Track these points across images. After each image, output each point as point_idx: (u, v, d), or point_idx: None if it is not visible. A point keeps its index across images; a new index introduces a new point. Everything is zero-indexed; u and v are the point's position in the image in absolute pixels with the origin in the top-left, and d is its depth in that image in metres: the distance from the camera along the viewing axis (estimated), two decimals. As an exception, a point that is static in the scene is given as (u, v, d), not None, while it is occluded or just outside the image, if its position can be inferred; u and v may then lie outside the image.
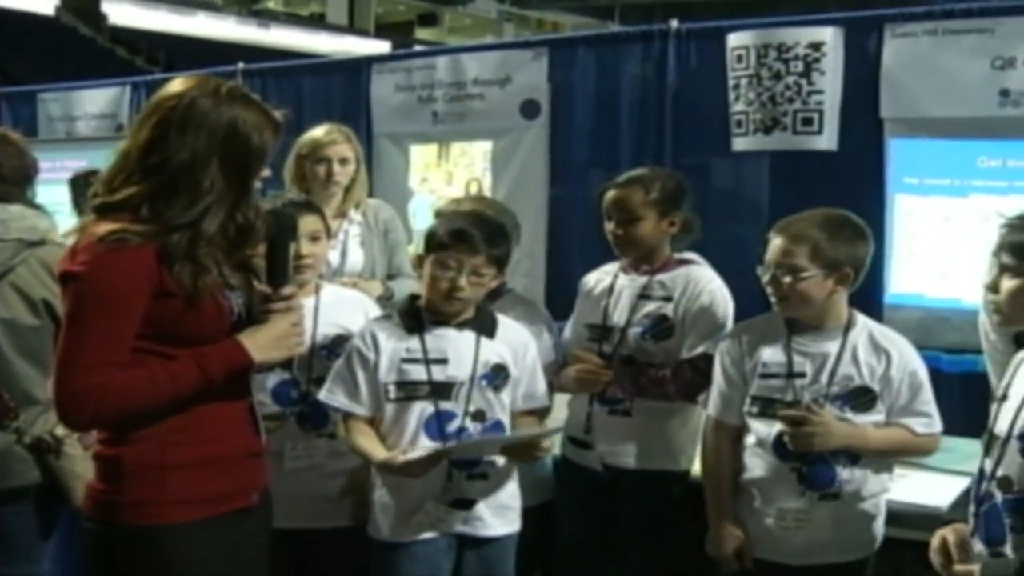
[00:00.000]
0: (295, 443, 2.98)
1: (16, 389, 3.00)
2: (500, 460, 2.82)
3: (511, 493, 2.88)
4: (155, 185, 2.22)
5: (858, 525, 2.78)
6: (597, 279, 3.30)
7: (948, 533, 2.39)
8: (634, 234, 3.12)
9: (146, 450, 2.26)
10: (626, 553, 3.08)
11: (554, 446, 2.94)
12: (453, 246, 2.74)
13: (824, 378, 2.74)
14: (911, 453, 2.91)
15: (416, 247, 3.62)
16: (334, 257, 4.04)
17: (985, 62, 4.42)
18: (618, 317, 3.16)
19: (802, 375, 2.75)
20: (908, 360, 2.78)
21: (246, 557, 2.39)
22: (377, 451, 2.75)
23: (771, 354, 2.80)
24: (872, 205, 4.65)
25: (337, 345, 3.00)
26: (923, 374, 2.79)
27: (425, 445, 2.73)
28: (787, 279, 2.69)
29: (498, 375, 2.83)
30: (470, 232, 2.75)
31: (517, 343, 2.91)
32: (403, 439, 2.78)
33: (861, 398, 2.74)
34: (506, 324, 2.92)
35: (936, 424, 2.80)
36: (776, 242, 2.74)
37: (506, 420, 2.86)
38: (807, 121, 4.77)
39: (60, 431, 2.99)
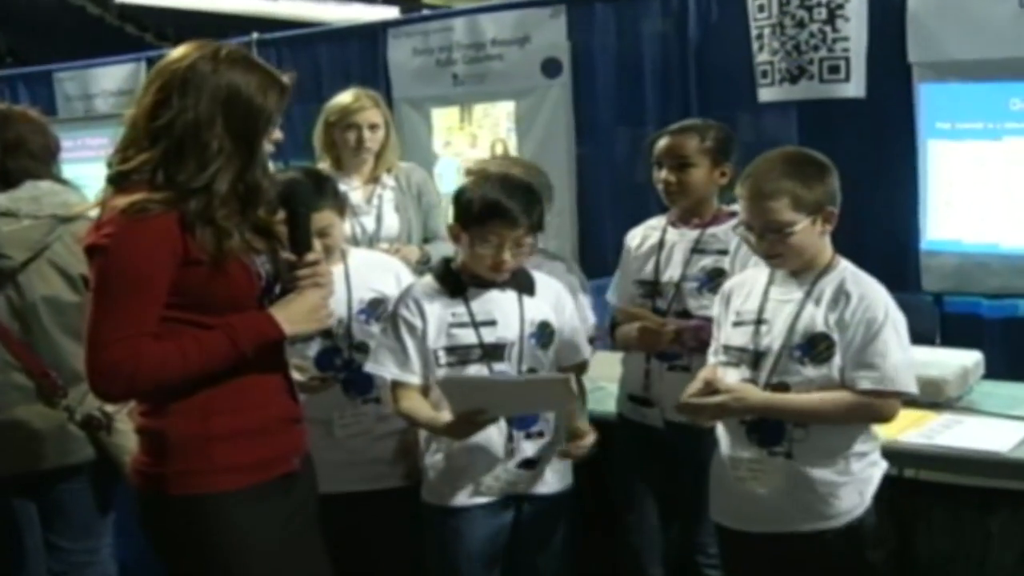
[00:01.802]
0: (342, 411, 2.99)
1: (64, 367, 3.01)
2: (551, 416, 2.82)
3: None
4: (164, 150, 2.22)
5: (821, 491, 2.55)
6: (643, 235, 3.26)
7: None
8: (687, 181, 3.09)
9: (188, 421, 2.28)
10: (686, 511, 3.08)
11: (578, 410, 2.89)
12: (490, 220, 2.70)
13: (786, 325, 2.58)
14: (859, 419, 2.57)
15: (446, 212, 3.60)
16: (369, 223, 4.04)
17: (1013, 1, 4.33)
18: (671, 272, 3.12)
19: (767, 322, 2.62)
20: (869, 303, 2.53)
21: (295, 521, 2.41)
22: (425, 411, 2.74)
23: (747, 301, 2.69)
24: (904, 152, 4.64)
25: (374, 308, 3.00)
26: (884, 321, 2.51)
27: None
28: (775, 238, 2.56)
29: (544, 332, 2.82)
30: (507, 206, 2.69)
31: (555, 298, 2.89)
32: None
33: (819, 346, 2.55)
34: (542, 280, 2.90)
35: (890, 382, 2.50)
36: (753, 204, 2.58)
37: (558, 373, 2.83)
38: (834, 69, 4.72)
39: (110, 408, 3.00)
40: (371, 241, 4.01)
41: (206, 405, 2.28)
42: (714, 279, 3.05)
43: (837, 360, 2.53)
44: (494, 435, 2.75)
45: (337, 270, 2.92)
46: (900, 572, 2.90)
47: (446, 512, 2.78)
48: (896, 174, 4.69)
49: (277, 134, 2.38)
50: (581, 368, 2.95)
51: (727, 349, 2.68)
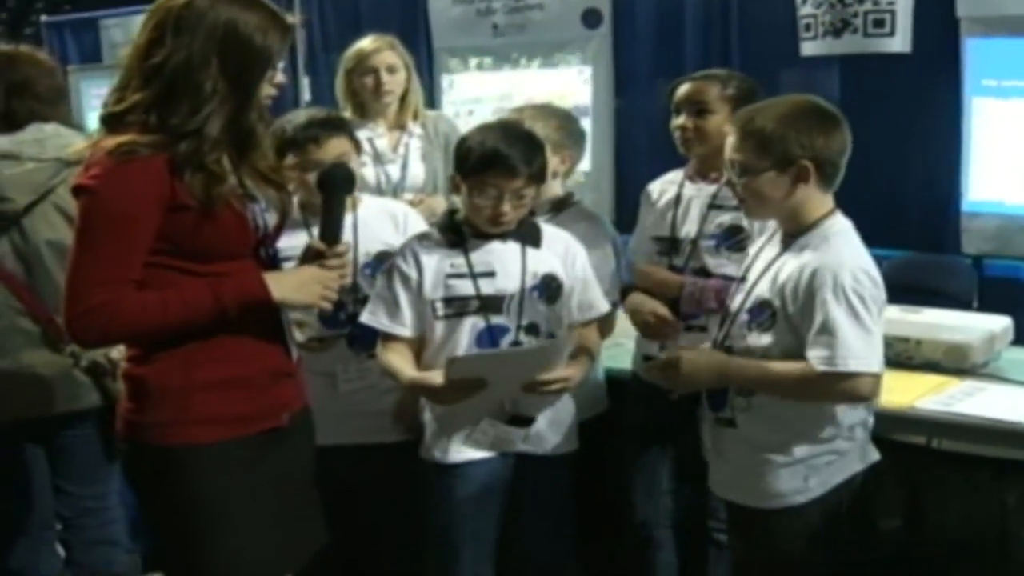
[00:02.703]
0: (346, 365, 2.94)
1: None
2: (555, 374, 2.75)
3: (568, 409, 2.81)
4: (156, 91, 2.16)
5: (756, 468, 2.43)
6: (661, 189, 3.17)
7: None
8: (704, 128, 2.98)
9: (170, 370, 2.24)
10: (698, 474, 3.00)
11: (586, 372, 2.81)
12: (489, 170, 2.62)
13: (748, 287, 2.47)
14: (815, 396, 2.36)
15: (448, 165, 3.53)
16: (395, 171, 3.97)
17: (1070, -48, 4.18)
18: (687, 229, 3.03)
19: (745, 281, 2.50)
20: (817, 271, 2.30)
21: (282, 479, 2.36)
22: (406, 370, 2.67)
23: (746, 257, 2.61)
24: (948, 109, 4.52)
25: (380, 262, 2.93)
26: (836, 292, 2.28)
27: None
28: (739, 179, 2.41)
29: (550, 286, 2.73)
30: (505, 154, 2.61)
31: (564, 252, 2.80)
32: None
33: (763, 314, 2.40)
34: (551, 233, 2.82)
35: (841, 361, 2.27)
36: (729, 139, 2.45)
37: (562, 334, 2.76)
38: (879, 23, 4.57)
39: (115, 354, 2.97)
40: (396, 190, 3.94)
41: (190, 355, 2.23)
42: (732, 236, 2.96)
43: (782, 331, 2.36)
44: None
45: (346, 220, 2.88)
46: (912, 542, 2.82)
47: (439, 468, 2.73)
48: (939, 133, 4.56)
49: (279, 77, 2.32)
50: (605, 324, 2.88)
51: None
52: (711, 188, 3.02)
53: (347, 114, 3.96)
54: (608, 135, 5.58)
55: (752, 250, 2.66)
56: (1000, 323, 3.27)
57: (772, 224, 2.60)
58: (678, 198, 3.09)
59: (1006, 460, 2.79)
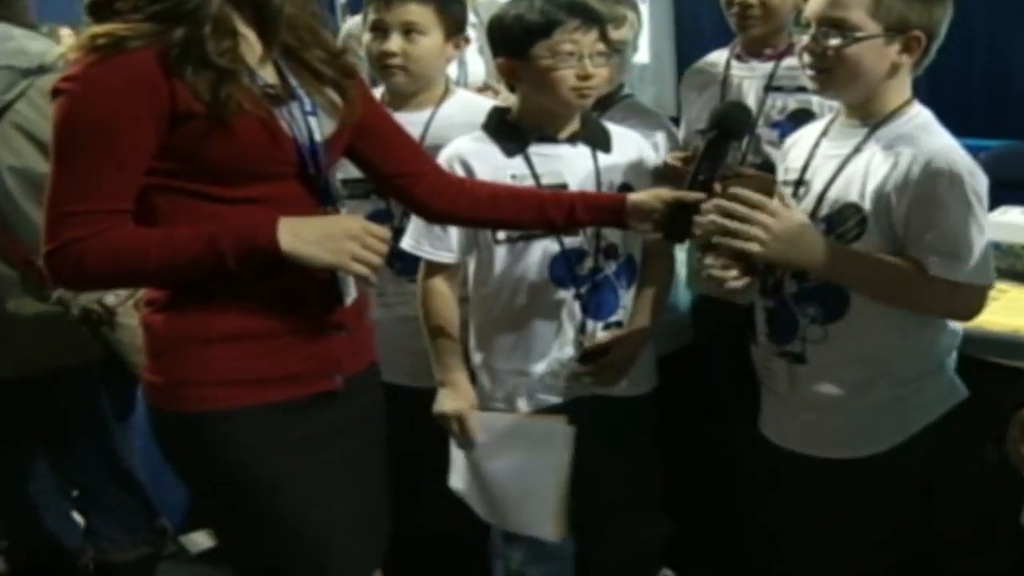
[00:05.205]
0: (384, 286, 2.46)
1: None
2: (629, 302, 2.33)
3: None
4: None
5: (836, 413, 2.05)
6: (702, 75, 2.68)
7: None
8: (772, 4, 2.48)
9: (188, 317, 1.79)
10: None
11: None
12: (557, 26, 2.16)
13: (819, 189, 2.03)
14: (923, 305, 1.98)
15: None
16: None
17: None
18: None
19: (806, 183, 2.06)
20: (931, 165, 1.91)
21: (337, 453, 1.90)
22: (456, 371, 2.31)
23: (799, 153, 2.12)
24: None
25: None
26: (951, 191, 1.90)
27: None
28: (833, 40, 1.95)
29: None
30: (579, 3, 2.19)
31: (638, 154, 2.36)
32: (521, 291, 2.27)
33: (847, 221, 1.99)
34: (619, 134, 2.37)
35: (962, 270, 1.90)
36: None
37: (637, 255, 2.33)
38: None
39: (110, 299, 2.56)
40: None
41: (211, 298, 1.78)
42: (800, 124, 2.39)
43: (873, 239, 1.96)
44: (565, 324, 2.28)
45: (422, 116, 2.46)
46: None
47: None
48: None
49: None
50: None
51: None
52: (766, 66, 2.54)
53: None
54: (667, 23, 5.06)
55: (795, 144, 2.18)
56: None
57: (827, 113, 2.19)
58: (725, 81, 2.59)
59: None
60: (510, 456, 2.29)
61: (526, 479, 2.29)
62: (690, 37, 5.08)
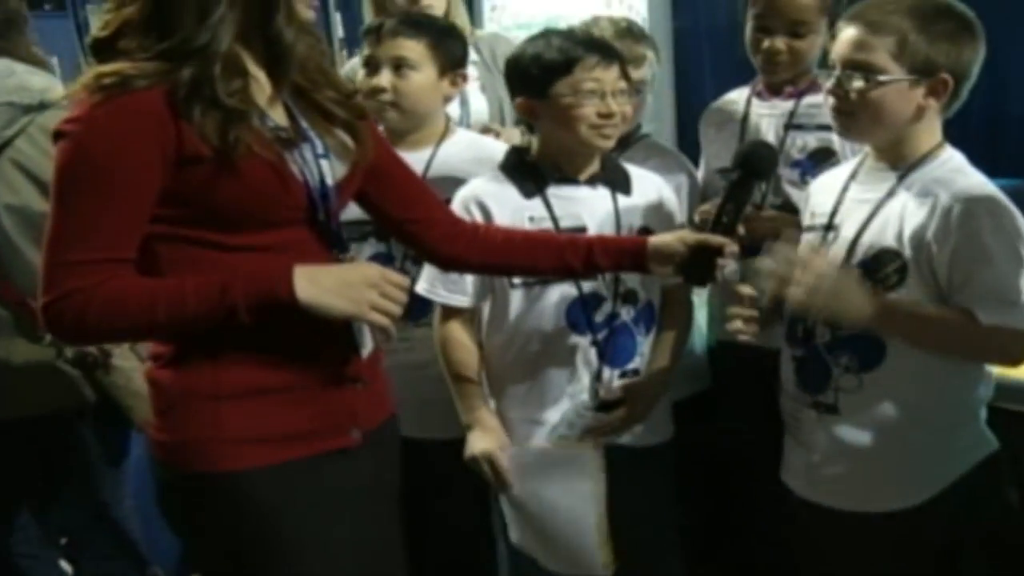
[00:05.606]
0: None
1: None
2: (646, 350, 2.26)
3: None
4: (151, 2, 1.61)
5: (867, 465, 1.99)
6: (722, 113, 2.62)
7: None
8: (800, 50, 2.41)
9: (196, 372, 1.70)
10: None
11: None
12: (578, 62, 2.11)
13: (852, 234, 1.98)
14: (972, 353, 1.95)
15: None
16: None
17: None
18: None
19: (836, 228, 2.01)
20: (971, 209, 1.86)
21: (357, 512, 1.80)
22: (481, 410, 2.24)
23: (826, 198, 2.07)
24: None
25: None
26: (994, 235, 1.85)
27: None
28: (857, 83, 1.92)
29: None
30: (594, 38, 2.16)
31: (657, 197, 2.30)
32: (536, 336, 2.20)
33: (886, 267, 1.93)
34: (638, 174, 2.31)
35: (1012, 315, 1.85)
36: (848, 32, 1.96)
37: (656, 301, 2.27)
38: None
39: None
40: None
41: (220, 351, 1.69)
42: (821, 162, 2.38)
43: (915, 286, 1.91)
44: (581, 371, 2.21)
45: (422, 155, 2.38)
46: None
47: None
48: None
49: None
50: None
51: None
52: (787, 104, 2.48)
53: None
54: (667, 58, 5.00)
55: (820, 189, 2.13)
56: None
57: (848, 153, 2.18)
58: (745, 119, 2.53)
59: None
60: (545, 488, 2.20)
61: (565, 510, 2.20)
62: (688, 76, 5.03)
